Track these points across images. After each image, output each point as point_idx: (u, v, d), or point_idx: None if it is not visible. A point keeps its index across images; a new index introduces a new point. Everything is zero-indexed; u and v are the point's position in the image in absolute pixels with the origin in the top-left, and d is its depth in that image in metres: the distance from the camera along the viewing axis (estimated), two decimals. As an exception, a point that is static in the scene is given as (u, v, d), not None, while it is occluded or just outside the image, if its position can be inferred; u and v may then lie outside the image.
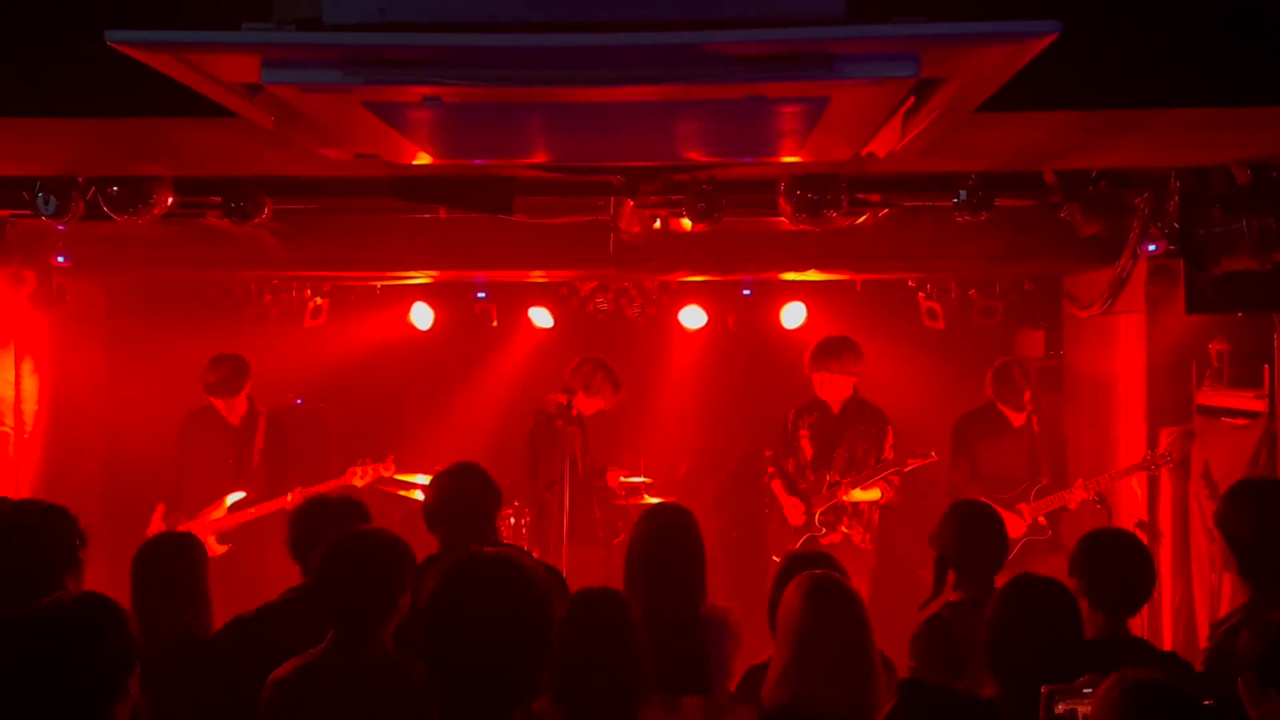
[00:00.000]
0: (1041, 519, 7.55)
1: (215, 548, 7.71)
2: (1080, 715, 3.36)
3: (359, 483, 8.14)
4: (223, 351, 8.31)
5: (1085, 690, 3.37)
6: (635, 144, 4.09)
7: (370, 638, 3.87)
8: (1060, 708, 3.41)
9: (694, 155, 4.39)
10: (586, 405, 8.24)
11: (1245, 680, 3.47)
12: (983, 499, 6.94)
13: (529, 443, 8.24)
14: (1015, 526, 7.40)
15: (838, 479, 7.82)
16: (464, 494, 5.27)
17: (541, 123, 3.68)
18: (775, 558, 8.00)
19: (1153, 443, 7.44)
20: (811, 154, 4.17)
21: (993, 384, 7.97)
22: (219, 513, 7.98)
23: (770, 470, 8.18)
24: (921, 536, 8.90)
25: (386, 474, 8.32)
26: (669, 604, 4.64)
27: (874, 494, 7.85)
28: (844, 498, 7.79)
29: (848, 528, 7.86)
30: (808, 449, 8.02)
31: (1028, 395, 7.78)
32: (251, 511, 8.00)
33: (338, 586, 3.89)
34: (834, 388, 7.94)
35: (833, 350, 7.92)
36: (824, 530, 7.84)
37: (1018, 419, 7.84)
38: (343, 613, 3.88)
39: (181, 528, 7.35)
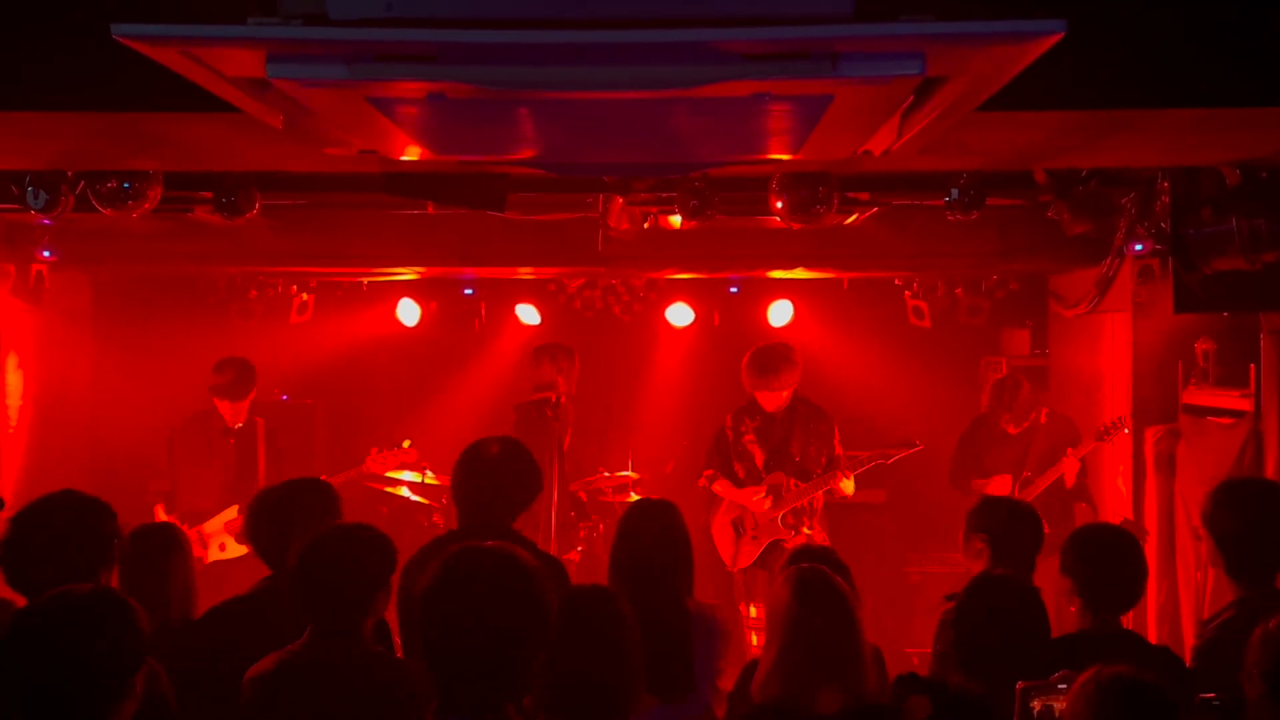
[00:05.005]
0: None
1: (234, 548, 7.46)
2: (1056, 711, 3.34)
3: (380, 470, 8.08)
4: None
5: (1060, 686, 3.35)
6: (636, 142, 4.08)
7: (350, 633, 3.84)
8: (1036, 704, 3.38)
9: (694, 154, 4.38)
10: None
11: (1254, 691, 3.41)
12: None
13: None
14: None
15: (792, 481, 7.69)
16: (488, 473, 4.97)
17: (544, 120, 3.66)
18: (731, 570, 7.88)
19: (1138, 442, 7.47)
20: (810, 153, 4.17)
21: (990, 396, 8.05)
22: (231, 513, 7.64)
23: (709, 472, 7.93)
24: (906, 537, 9.02)
25: (409, 463, 8.24)
26: (654, 602, 4.55)
27: (850, 485, 7.79)
28: (838, 485, 7.67)
29: (809, 528, 7.75)
30: (758, 453, 7.78)
31: (1005, 419, 7.78)
32: None
33: (318, 582, 3.84)
34: (774, 398, 7.73)
35: (769, 367, 7.67)
36: (790, 534, 7.68)
37: (1014, 427, 7.85)
38: (323, 608, 3.84)
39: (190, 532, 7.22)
